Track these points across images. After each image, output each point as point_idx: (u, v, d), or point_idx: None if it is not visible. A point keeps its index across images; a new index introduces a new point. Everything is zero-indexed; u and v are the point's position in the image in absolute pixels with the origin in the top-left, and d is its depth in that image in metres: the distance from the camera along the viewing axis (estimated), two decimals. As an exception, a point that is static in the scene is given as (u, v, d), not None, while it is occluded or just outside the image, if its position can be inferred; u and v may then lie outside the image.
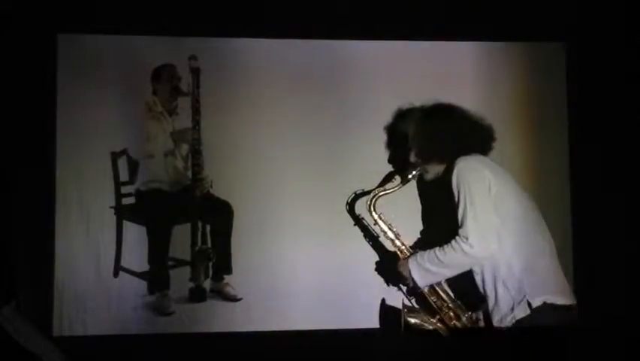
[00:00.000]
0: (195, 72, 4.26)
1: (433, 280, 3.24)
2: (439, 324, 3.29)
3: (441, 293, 3.28)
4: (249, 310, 4.22)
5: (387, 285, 3.51)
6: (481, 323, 3.27)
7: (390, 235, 3.41)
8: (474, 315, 3.26)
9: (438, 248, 3.16)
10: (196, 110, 4.27)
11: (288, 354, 4.10)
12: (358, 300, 3.88)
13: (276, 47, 4.33)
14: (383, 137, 4.13)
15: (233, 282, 4.27)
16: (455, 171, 3.16)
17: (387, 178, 3.52)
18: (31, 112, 4.13)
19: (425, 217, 3.73)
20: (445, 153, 3.26)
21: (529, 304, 3.05)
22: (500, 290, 3.10)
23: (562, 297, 3.10)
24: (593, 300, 4.25)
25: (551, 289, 3.09)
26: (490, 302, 3.16)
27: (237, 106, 4.29)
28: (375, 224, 3.45)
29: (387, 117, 4.10)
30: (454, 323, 3.27)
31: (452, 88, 4.11)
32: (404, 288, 3.40)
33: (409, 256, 3.30)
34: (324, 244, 4.23)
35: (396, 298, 3.51)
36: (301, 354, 4.10)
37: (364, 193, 3.51)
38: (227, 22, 4.24)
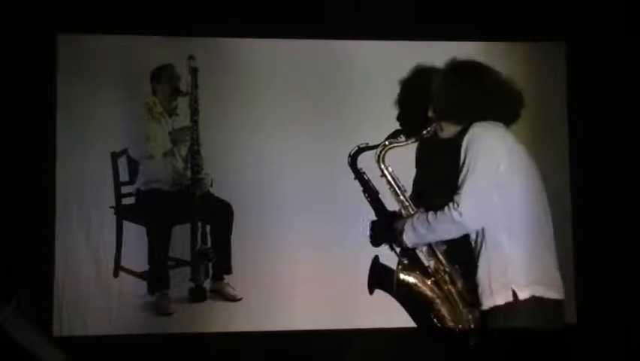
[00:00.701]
0: (194, 72, 4.26)
1: (419, 241, 3.12)
2: (433, 287, 3.20)
3: (439, 255, 3.19)
4: (249, 310, 4.22)
5: (379, 245, 3.34)
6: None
7: (397, 189, 3.27)
8: (470, 282, 3.16)
9: (432, 212, 3.05)
10: (195, 111, 4.27)
11: (288, 354, 4.10)
12: (358, 300, 3.87)
13: (275, 46, 4.33)
14: (385, 136, 4.13)
15: (233, 282, 4.27)
16: (468, 135, 2.98)
17: (393, 136, 3.28)
18: (31, 112, 4.13)
19: (423, 180, 3.63)
20: (467, 113, 3.04)
21: (514, 293, 2.96)
22: (482, 265, 3.02)
23: (551, 291, 3.01)
24: (593, 300, 4.26)
25: (541, 280, 2.99)
26: (477, 275, 3.08)
27: (237, 106, 4.30)
28: (382, 176, 3.29)
29: (387, 117, 4.10)
30: (448, 288, 3.19)
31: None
32: (398, 249, 3.27)
33: (408, 215, 3.18)
34: (324, 244, 4.24)
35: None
36: (301, 354, 4.10)
37: (368, 148, 3.34)
38: (227, 22, 4.24)
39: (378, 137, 4.11)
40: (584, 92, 4.38)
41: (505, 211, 2.97)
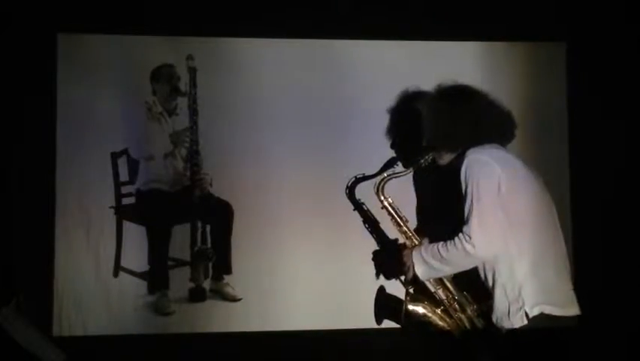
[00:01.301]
0: (192, 72, 4.26)
1: (434, 275, 3.10)
2: (443, 315, 3.16)
3: (447, 283, 3.16)
4: (248, 311, 4.22)
5: (380, 276, 3.30)
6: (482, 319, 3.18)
7: (398, 220, 3.22)
8: (481, 306, 3.13)
9: (442, 243, 2.99)
10: (194, 111, 4.27)
11: (287, 354, 4.11)
12: (358, 300, 3.86)
13: (275, 46, 4.33)
14: (383, 136, 4.13)
15: (233, 282, 4.27)
16: (465, 163, 2.94)
17: (389, 164, 3.19)
18: (31, 112, 4.13)
19: (424, 208, 3.62)
20: (461, 140, 3.01)
21: (527, 315, 2.95)
22: (498, 292, 3.00)
23: (562, 308, 2.98)
24: (593, 300, 4.26)
25: (551, 299, 2.96)
26: (493, 300, 3.07)
27: (237, 106, 4.30)
28: (382, 208, 3.24)
29: (387, 117, 4.10)
30: (459, 315, 3.15)
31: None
32: (402, 277, 3.23)
33: (415, 246, 3.14)
34: (324, 244, 4.24)
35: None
36: (301, 354, 4.10)
37: (365, 178, 3.28)
38: (227, 22, 4.24)
39: (378, 137, 4.13)
40: (584, 92, 4.38)
41: (513, 232, 2.95)
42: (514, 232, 2.93)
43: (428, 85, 3.67)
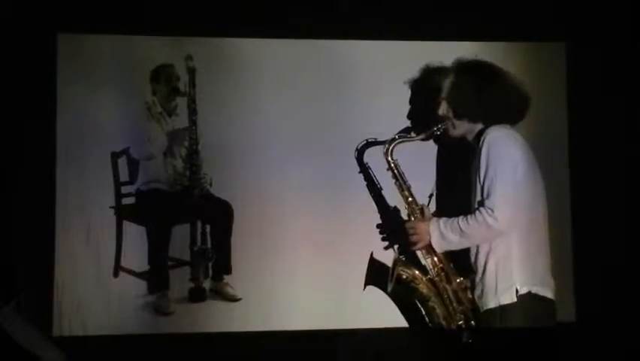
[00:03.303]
0: (191, 72, 4.26)
1: (450, 247, 3.16)
2: (429, 284, 3.22)
3: (438, 254, 3.21)
4: (248, 311, 4.22)
5: (388, 246, 3.35)
6: (469, 294, 3.22)
7: (402, 184, 3.28)
8: (465, 281, 3.20)
9: (461, 217, 3.06)
10: (193, 111, 4.27)
11: (287, 354, 4.11)
12: (358, 300, 3.87)
13: (275, 46, 4.33)
14: (385, 136, 4.13)
15: (233, 282, 4.27)
16: (487, 140, 3.02)
17: (405, 131, 3.32)
18: (31, 112, 4.13)
19: (439, 181, 3.65)
20: (483, 111, 3.11)
21: (517, 292, 3.02)
22: (490, 267, 3.05)
23: (547, 290, 3.08)
24: (593, 300, 4.26)
25: (539, 281, 3.06)
26: (476, 276, 3.13)
27: (237, 106, 4.30)
28: (388, 169, 3.30)
29: (387, 117, 4.10)
30: (444, 285, 3.21)
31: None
32: (396, 246, 3.30)
33: (431, 219, 3.19)
34: (324, 244, 4.24)
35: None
36: (301, 354, 4.10)
37: (377, 142, 3.36)
38: (227, 22, 4.24)
39: (378, 136, 4.14)
40: (584, 92, 4.38)
41: (520, 214, 3.02)
42: (519, 215, 3.00)
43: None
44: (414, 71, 4.23)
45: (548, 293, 3.07)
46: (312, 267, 4.24)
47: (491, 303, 3.04)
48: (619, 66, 4.38)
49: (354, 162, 3.45)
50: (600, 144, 4.35)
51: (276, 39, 4.32)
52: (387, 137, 4.00)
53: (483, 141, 3.05)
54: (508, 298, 3.00)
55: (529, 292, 3.01)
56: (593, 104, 4.37)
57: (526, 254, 3.03)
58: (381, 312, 3.65)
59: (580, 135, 4.40)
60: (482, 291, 3.07)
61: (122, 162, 4.25)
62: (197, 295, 4.25)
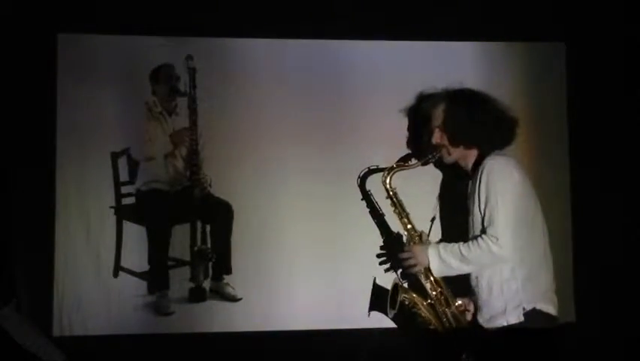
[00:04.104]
0: (192, 72, 4.26)
1: (449, 273, 3.22)
2: (429, 308, 3.26)
3: (437, 278, 3.26)
4: (248, 311, 4.22)
5: (389, 269, 3.42)
6: (469, 316, 3.26)
7: (401, 211, 3.35)
8: (463, 305, 3.25)
9: (462, 243, 3.12)
10: (193, 111, 4.27)
11: (287, 354, 4.11)
12: (358, 300, 3.87)
13: (275, 46, 4.33)
14: (384, 136, 4.14)
15: (233, 282, 4.27)
16: (486, 168, 3.10)
17: (404, 160, 3.42)
18: (31, 112, 4.13)
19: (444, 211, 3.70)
20: (477, 137, 3.20)
21: (524, 310, 3.06)
22: (495, 291, 3.10)
23: (550, 307, 3.12)
24: (593, 300, 4.26)
25: (544, 298, 3.10)
26: (480, 299, 3.16)
27: (237, 106, 4.29)
28: (387, 198, 3.37)
29: (387, 117, 4.10)
30: (443, 309, 3.25)
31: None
32: (399, 271, 3.35)
33: (430, 244, 3.24)
34: (324, 244, 4.24)
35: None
36: (301, 354, 4.10)
37: (378, 169, 3.44)
38: (227, 22, 4.24)
39: (378, 137, 4.15)
40: (584, 92, 4.38)
41: (519, 237, 3.06)
42: (520, 236, 3.04)
43: (428, 85, 3.70)
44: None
45: (551, 310, 3.11)
46: (312, 267, 4.24)
47: (498, 323, 3.09)
48: (618, 66, 4.38)
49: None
50: (600, 143, 4.35)
51: (276, 39, 4.32)
52: (387, 138, 4.06)
53: (482, 170, 3.12)
54: (516, 318, 3.05)
55: (534, 308, 3.06)
56: (592, 104, 4.37)
57: (529, 272, 3.08)
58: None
59: (579, 135, 4.40)
60: (489, 314, 3.11)
61: (122, 162, 4.25)
62: (197, 295, 4.24)
